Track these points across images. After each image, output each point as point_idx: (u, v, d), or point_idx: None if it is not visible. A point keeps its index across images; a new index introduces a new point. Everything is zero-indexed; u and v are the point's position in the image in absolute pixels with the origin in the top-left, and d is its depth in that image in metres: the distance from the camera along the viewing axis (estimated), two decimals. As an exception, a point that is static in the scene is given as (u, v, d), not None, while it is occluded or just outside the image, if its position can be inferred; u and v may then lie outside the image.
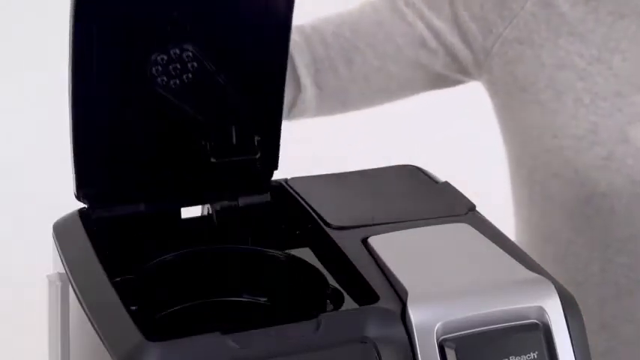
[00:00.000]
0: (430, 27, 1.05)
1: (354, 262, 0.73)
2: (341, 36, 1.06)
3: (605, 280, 1.01)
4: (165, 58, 0.79)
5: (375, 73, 1.07)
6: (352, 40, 1.06)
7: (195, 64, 0.80)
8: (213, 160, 0.82)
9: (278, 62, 0.82)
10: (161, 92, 0.80)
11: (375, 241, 0.75)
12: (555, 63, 1.00)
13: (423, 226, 0.78)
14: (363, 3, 1.09)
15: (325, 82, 1.06)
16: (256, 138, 0.83)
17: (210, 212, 0.84)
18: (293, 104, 1.07)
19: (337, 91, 1.07)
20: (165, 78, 0.79)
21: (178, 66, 0.79)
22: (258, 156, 0.83)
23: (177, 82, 0.80)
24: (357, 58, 1.06)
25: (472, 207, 0.82)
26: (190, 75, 0.80)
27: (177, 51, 0.79)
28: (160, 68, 0.79)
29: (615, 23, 0.99)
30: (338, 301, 0.72)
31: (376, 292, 0.68)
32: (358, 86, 1.07)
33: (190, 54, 0.79)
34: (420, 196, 0.84)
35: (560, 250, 1.04)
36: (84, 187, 0.80)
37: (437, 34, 1.05)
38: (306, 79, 1.05)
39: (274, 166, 0.85)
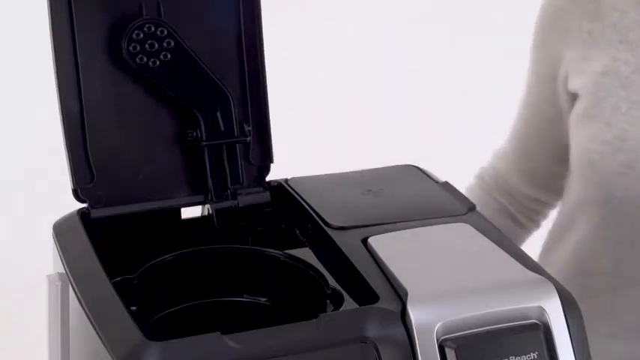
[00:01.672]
0: (556, 106, 1.12)
1: (354, 262, 0.73)
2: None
3: (615, 272, 1.02)
4: (141, 35, 0.79)
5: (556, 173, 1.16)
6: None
7: (171, 41, 0.80)
8: (204, 143, 0.82)
9: (251, 39, 0.84)
10: (140, 71, 0.80)
11: (375, 241, 0.75)
12: (601, 70, 1.02)
13: (423, 226, 0.78)
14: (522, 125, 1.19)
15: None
16: (246, 127, 0.84)
17: (210, 212, 0.84)
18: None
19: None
20: (143, 57, 0.80)
21: (155, 43, 0.80)
22: (249, 139, 0.83)
23: (157, 61, 0.80)
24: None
25: (472, 207, 0.82)
26: (168, 54, 0.80)
27: (152, 27, 0.80)
28: (137, 46, 0.79)
29: None
30: (338, 302, 0.72)
31: (376, 292, 0.68)
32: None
33: (165, 30, 0.80)
34: (420, 196, 0.84)
35: (577, 243, 1.07)
36: (80, 184, 0.80)
37: (557, 106, 1.12)
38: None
39: (269, 158, 0.85)
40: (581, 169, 1.03)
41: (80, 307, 0.69)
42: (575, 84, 1.05)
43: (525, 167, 1.18)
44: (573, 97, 1.07)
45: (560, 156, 1.10)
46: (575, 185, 1.07)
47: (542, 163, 1.16)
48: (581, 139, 1.03)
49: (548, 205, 1.20)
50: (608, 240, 1.03)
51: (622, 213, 1.00)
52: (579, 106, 1.04)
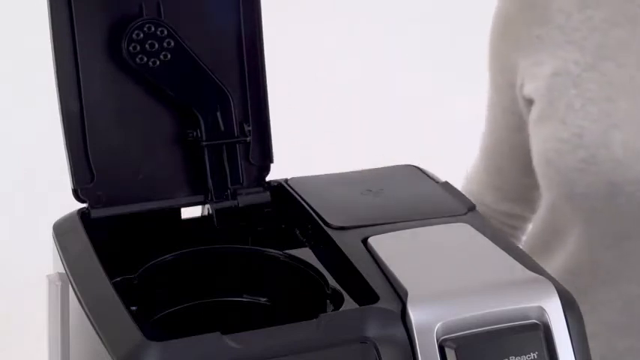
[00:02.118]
0: (517, 113, 1.13)
1: (354, 262, 0.73)
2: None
3: (593, 269, 1.03)
4: (141, 35, 0.79)
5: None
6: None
7: (171, 41, 0.80)
8: (204, 143, 0.82)
9: (251, 39, 0.84)
10: (140, 71, 0.80)
11: (375, 241, 0.75)
12: (551, 72, 1.03)
13: (423, 226, 0.78)
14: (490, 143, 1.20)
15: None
16: (246, 127, 0.84)
17: (210, 212, 0.84)
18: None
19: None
20: (143, 57, 0.80)
21: (155, 43, 0.80)
22: (249, 139, 0.83)
23: (157, 61, 0.80)
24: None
25: (472, 207, 0.82)
26: (168, 54, 0.80)
27: (152, 27, 0.80)
28: (137, 46, 0.79)
29: (610, 31, 1.01)
30: (338, 302, 0.72)
31: (376, 292, 0.68)
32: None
33: (165, 30, 0.80)
34: (420, 196, 0.84)
35: (556, 242, 1.07)
36: (80, 184, 0.80)
37: (518, 113, 1.12)
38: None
39: (269, 158, 0.85)
40: (542, 170, 1.05)
41: (80, 307, 0.69)
42: (529, 89, 1.07)
43: (498, 183, 1.19)
44: (529, 103, 1.08)
45: (529, 166, 1.10)
46: (543, 190, 1.08)
47: (513, 175, 1.17)
48: (539, 141, 1.05)
49: (525, 220, 1.21)
50: (583, 239, 1.04)
51: (587, 210, 1.01)
52: (534, 111, 1.06)
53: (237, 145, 0.84)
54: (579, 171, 0.99)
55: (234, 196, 0.84)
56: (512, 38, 1.10)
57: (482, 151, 1.21)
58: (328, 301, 0.73)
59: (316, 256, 0.79)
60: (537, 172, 1.06)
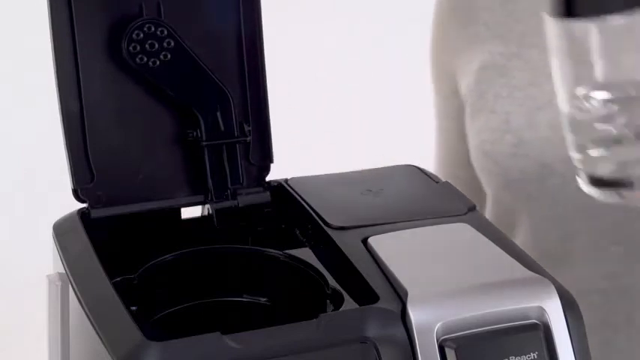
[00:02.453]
0: (463, 119, 1.13)
1: (354, 262, 0.73)
2: None
3: (546, 258, 1.03)
4: (141, 35, 0.79)
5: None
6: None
7: (171, 41, 0.80)
8: (204, 143, 0.82)
9: (251, 39, 0.84)
10: (140, 71, 0.80)
11: (375, 241, 0.75)
12: (479, 66, 1.05)
13: (423, 226, 0.78)
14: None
15: None
16: (246, 127, 0.84)
17: (210, 212, 0.84)
18: None
19: None
20: (143, 57, 0.80)
21: (155, 43, 0.80)
22: (249, 139, 0.83)
23: (157, 61, 0.80)
24: None
25: (472, 207, 0.82)
26: (168, 54, 0.80)
27: (152, 27, 0.80)
28: (137, 46, 0.80)
29: (531, 19, 1.03)
30: (338, 302, 0.72)
31: (376, 292, 0.68)
32: None
33: (165, 30, 0.80)
34: (420, 196, 0.84)
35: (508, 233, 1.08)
36: (80, 184, 0.80)
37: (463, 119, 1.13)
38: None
39: (269, 158, 0.85)
40: (480, 164, 1.05)
41: (80, 307, 0.69)
42: (462, 88, 1.08)
43: None
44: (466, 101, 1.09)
45: None
46: (485, 187, 1.08)
47: (469, 182, 1.17)
48: (474, 135, 1.06)
49: None
50: (527, 228, 1.04)
51: (525, 197, 1.01)
52: (467, 107, 1.07)
53: (237, 145, 0.84)
54: (512, 156, 1.01)
55: (234, 196, 0.84)
56: (448, 44, 1.11)
57: (438, 161, 1.21)
58: (328, 301, 0.73)
59: (316, 256, 0.79)
60: (475, 167, 1.07)
